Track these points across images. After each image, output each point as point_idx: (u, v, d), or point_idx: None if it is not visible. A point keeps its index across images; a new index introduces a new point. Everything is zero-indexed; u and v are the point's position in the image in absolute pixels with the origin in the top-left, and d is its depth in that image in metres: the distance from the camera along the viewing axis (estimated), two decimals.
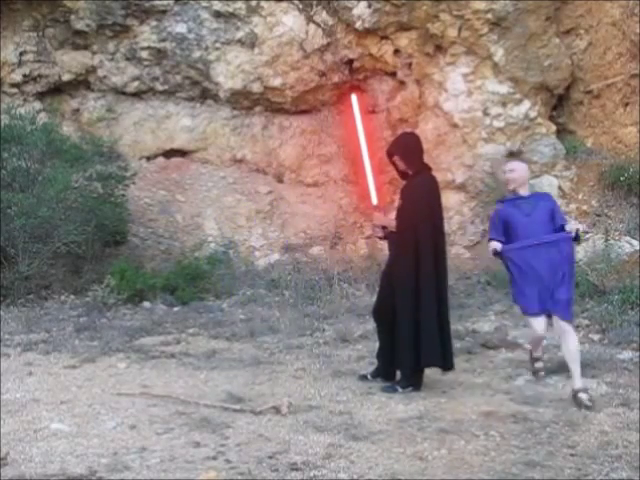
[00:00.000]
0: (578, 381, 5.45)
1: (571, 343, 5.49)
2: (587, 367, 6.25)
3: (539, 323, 5.66)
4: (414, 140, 6.15)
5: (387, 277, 6.05)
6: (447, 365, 5.85)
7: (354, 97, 6.35)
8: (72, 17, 11.18)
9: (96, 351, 6.96)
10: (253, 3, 11.12)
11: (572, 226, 5.82)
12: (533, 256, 5.55)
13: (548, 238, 5.57)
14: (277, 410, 5.23)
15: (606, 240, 9.21)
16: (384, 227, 6.03)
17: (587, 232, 9.79)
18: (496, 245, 5.70)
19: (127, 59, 11.49)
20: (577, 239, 5.68)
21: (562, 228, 5.66)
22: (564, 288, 5.51)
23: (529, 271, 5.56)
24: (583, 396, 5.34)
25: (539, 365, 6.18)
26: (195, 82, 11.61)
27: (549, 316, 5.62)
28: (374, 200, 5.93)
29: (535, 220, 5.68)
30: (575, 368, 5.47)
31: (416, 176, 5.92)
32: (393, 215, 5.98)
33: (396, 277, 5.84)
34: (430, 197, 5.90)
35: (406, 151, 5.95)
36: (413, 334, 5.69)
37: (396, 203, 6.16)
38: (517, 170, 5.86)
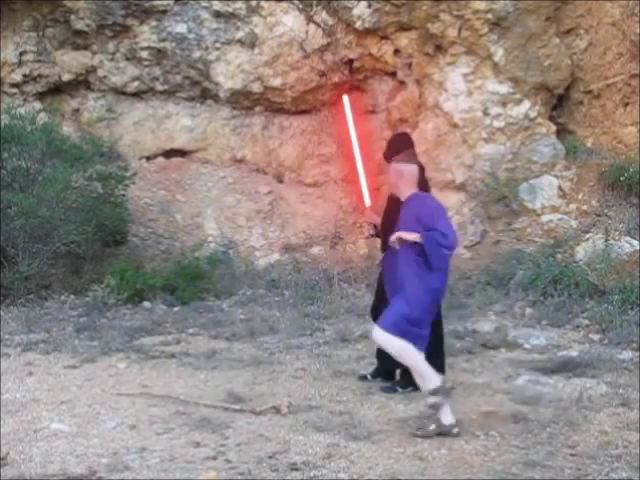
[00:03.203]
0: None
1: None
2: (587, 367, 6.25)
3: None
4: (410, 140, 6.22)
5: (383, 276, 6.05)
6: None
7: (345, 97, 6.34)
8: (72, 17, 11.19)
9: (96, 351, 6.95)
10: (253, 3, 11.12)
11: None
12: None
13: None
14: (277, 410, 5.23)
15: (606, 240, 9.20)
16: (375, 226, 6.07)
17: (588, 232, 9.81)
18: None
19: (127, 59, 11.50)
20: None
21: None
22: None
23: None
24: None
25: None
26: (195, 82, 11.61)
27: None
28: (367, 201, 5.93)
29: None
30: None
31: None
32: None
33: None
34: None
35: (407, 148, 5.97)
36: None
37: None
38: None
